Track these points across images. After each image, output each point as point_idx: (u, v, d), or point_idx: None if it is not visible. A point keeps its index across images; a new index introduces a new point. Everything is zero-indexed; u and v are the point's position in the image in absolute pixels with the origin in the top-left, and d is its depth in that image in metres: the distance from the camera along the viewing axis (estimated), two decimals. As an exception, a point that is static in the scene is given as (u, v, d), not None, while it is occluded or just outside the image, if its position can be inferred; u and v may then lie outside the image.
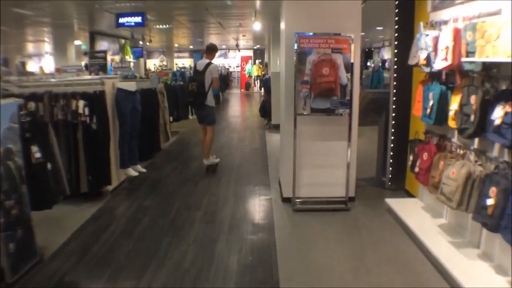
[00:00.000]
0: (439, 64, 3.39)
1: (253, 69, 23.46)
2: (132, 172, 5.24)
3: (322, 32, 4.32)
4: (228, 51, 27.88)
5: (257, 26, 11.36)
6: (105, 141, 4.74)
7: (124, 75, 5.45)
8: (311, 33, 4.30)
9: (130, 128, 5.14)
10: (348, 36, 4.33)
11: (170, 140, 7.95)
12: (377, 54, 22.12)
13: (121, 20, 9.05)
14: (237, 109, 16.52)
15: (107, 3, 8.96)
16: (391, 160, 5.22)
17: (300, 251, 3.56)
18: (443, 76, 3.70)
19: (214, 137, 6.15)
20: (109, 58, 15.74)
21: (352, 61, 4.35)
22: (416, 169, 4.03)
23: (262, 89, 18.84)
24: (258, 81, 22.91)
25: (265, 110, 10.15)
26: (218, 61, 25.70)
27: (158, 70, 16.07)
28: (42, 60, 25.09)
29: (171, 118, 8.57)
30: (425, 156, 3.86)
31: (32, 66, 23.01)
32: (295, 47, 4.30)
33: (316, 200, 4.61)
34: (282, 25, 4.96)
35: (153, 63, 26.79)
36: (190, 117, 9.82)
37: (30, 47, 23.28)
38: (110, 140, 4.85)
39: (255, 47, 27.75)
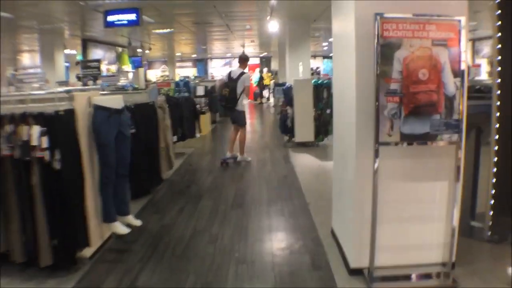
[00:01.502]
0: None
1: (264, 78, 21.84)
2: (120, 228, 3.53)
3: (414, 12, 2.74)
4: (233, 59, 26.39)
5: (273, 26, 9.77)
6: (75, 186, 3.11)
7: (116, 87, 3.79)
8: (401, 15, 2.71)
9: (115, 164, 3.49)
10: (456, 19, 2.74)
11: (174, 166, 6.31)
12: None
13: (111, 18, 7.29)
14: (248, 122, 14.82)
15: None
16: (492, 200, 3.63)
17: None
18: None
19: (246, 135, 7.00)
20: (104, 67, 14.28)
21: (461, 59, 2.76)
22: None
23: (273, 99, 17.30)
24: (268, 90, 21.35)
25: (286, 126, 8.53)
26: (223, 70, 24.32)
27: (159, 81, 14.51)
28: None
29: (175, 138, 6.96)
30: None
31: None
32: (376, 36, 2.69)
33: (401, 269, 2.99)
34: (347, 3, 3.23)
35: (154, 74, 25.38)
36: (198, 135, 8.19)
37: (26, 59, 22.11)
38: (85, 184, 3.23)
39: (261, 55, 26.33)
